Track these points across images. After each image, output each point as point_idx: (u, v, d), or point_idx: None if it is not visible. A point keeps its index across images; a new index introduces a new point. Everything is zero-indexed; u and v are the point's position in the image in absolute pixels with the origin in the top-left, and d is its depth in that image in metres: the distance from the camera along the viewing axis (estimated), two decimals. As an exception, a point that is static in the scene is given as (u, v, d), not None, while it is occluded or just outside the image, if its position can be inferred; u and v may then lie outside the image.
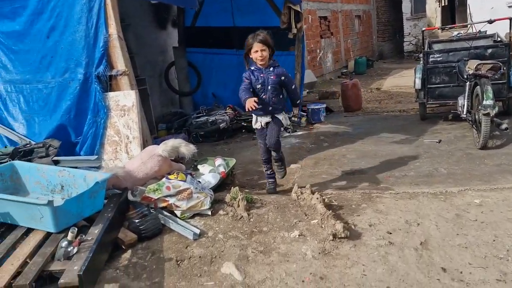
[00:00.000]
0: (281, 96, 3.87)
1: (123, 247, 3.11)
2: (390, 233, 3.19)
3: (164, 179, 3.47)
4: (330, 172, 4.89)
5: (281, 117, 3.90)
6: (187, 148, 3.61)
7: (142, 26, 7.69)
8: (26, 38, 4.62)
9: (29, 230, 3.03)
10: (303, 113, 7.49)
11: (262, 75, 3.72)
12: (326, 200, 3.77)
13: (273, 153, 4.01)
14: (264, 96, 3.75)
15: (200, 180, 3.95)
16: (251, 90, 3.70)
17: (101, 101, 4.20)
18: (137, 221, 3.19)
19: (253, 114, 3.93)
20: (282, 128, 4.03)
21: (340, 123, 7.51)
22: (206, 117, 7.31)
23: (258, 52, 3.62)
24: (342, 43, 16.54)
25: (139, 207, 3.37)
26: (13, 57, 4.79)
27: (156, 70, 8.33)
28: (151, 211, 3.35)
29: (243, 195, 3.62)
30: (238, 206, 3.54)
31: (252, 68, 3.76)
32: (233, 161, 4.46)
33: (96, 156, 3.90)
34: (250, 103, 3.52)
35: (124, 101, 4.14)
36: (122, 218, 3.31)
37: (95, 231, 2.91)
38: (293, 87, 3.95)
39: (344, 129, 7.06)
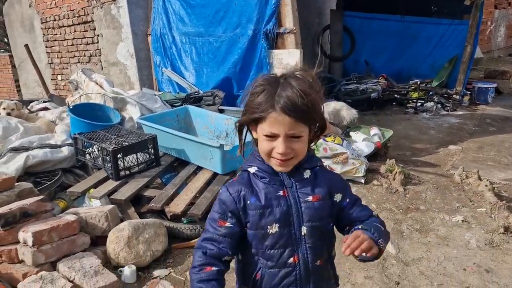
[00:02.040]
0: (332, 253, 1.32)
1: (277, 198, 3.25)
2: None
3: (321, 140, 3.47)
4: (497, 160, 4.32)
5: None
6: (348, 112, 3.54)
7: (303, -14, 7.64)
8: (204, -7, 4.98)
9: (198, 169, 3.36)
10: (466, 91, 6.70)
11: (281, 193, 1.20)
12: (495, 189, 3.36)
13: None
14: (291, 260, 1.22)
15: (353, 147, 3.87)
16: (224, 260, 1.22)
17: (266, 58, 4.35)
18: (292, 176, 3.28)
19: None
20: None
21: None
22: (357, 85, 7.06)
23: (279, 141, 1.11)
24: (520, 16, 14.16)
25: (294, 164, 3.45)
26: (190, 11, 5.23)
27: (310, 32, 8.26)
28: (306, 169, 3.40)
29: (401, 169, 3.43)
30: (394, 179, 3.37)
31: (254, 169, 1.23)
32: (389, 132, 4.24)
33: (260, 109, 4.07)
34: None
35: (287, 59, 4.21)
36: (278, 172, 3.44)
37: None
38: (359, 206, 1.28)
39: (517, 114, 6.13)
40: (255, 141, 1.21)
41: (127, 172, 3.16)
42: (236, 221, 1.20)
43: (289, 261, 1.21)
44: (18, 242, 2.36)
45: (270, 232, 1.19)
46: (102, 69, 6.58)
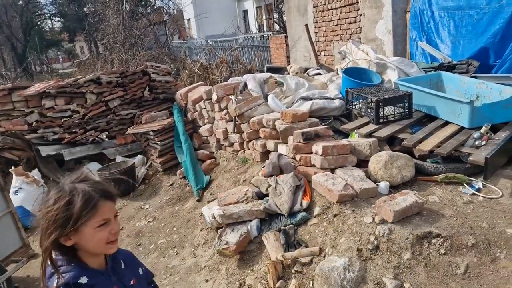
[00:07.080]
0: None
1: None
2: None
3: None
4: None
5: None
6: None
7: None
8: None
9: (444, 123, 3.86)
10: None
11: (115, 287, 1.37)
12: None
13: None
14: None
15: None
16: None
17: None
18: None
19: None
20: None
21: None
22: None
23: (112, 222, 1.30)
24: None
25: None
26: (451, -14, 5.51)
27: None
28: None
29: None
30: None
31: (85, 279, 1.25)
32: None
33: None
34: None
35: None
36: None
37: (502, 134, 3.39)
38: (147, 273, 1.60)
39: None
40: (65, 252, 1.26)
41: (385, 120, 3.96)
42: None
43: None
44: (311, 153, 3.51)
45: None
46: (360, 44, 7.55)
